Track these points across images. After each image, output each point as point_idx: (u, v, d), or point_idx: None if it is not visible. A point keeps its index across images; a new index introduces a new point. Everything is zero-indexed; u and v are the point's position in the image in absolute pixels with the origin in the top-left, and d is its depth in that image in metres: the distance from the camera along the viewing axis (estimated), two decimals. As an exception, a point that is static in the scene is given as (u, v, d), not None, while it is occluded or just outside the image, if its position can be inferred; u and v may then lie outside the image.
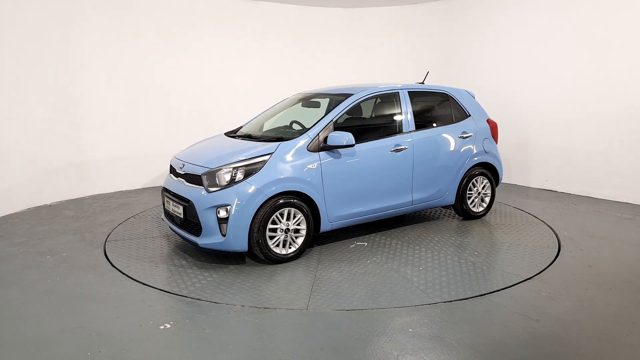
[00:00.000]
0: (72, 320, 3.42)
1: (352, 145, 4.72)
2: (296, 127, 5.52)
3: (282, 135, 5.02)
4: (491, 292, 3.82)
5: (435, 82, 8.64)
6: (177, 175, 4.80)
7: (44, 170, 6.68)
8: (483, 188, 5.89)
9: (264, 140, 4.83)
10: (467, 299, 3.73)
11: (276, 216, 4.40)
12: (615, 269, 4.30)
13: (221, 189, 4.28)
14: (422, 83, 6.02)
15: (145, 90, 7.60)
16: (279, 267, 4.42)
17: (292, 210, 4.48)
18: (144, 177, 7.84)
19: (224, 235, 4.25)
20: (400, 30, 9.12)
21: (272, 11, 8.62)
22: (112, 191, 7.51)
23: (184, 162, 4.76)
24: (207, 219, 4.26)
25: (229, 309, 3.60)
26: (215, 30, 8.14)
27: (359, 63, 9.33)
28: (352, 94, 5.11)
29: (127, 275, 4.24)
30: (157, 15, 7.56)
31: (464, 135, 5.68)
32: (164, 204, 4.99)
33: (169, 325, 3.34)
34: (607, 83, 6.58)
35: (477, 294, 3.79)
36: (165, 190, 4.93)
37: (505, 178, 8.01)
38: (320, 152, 4.67)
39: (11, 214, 6.26)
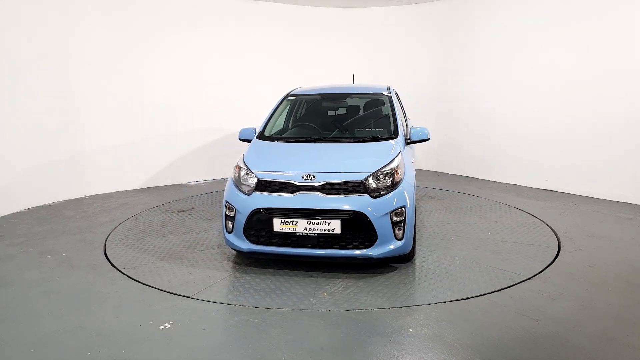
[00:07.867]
0: (72, 320, 3.43)
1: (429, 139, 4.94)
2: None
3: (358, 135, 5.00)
4: (491, 292, 3.82)
5: (431, 83, 8.68)
6: (293, 190, 4.11)
7: (44, 170, 6.67)
8: None
9: (354, 140, 4.78)
10: (467, 298, 3.73)
11: None
12: (615, 269, 4.30)
13: (388, 192, 4.07)
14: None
15: (145, 91, 7.59)
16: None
17: None
18: (144, 177, 7.84)
19: (400, 240, 4.05)
20: (400, 30, 9.11)
21: (271, 11, 8.63)
22: (112, 191, 7.51)
23: (312, 173, 4.14)
24: (384, 227, 4.00)
25: (229, 308, 3.60)
26: (215, 30, 8.14)
27: (359, 63, 9.32)
28: (383, 93, 5.34)
29: (127, 275, 4.24)
30: (158, 14, 7.56)
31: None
32: (277, 231, 4.08)
33: (169, 325, 3.35)
34: (607, 83, 6.57)
35: (477, 294, 3.79)
36: (275, 210, 4.09)
37: (505, 177, 8.00)
38: (408, 147, 4.84)
39: (11, 214, 6.26)
